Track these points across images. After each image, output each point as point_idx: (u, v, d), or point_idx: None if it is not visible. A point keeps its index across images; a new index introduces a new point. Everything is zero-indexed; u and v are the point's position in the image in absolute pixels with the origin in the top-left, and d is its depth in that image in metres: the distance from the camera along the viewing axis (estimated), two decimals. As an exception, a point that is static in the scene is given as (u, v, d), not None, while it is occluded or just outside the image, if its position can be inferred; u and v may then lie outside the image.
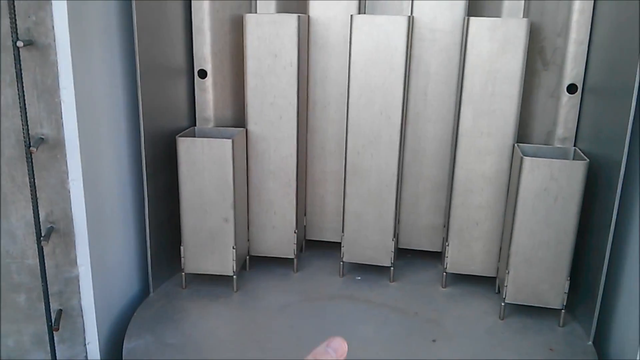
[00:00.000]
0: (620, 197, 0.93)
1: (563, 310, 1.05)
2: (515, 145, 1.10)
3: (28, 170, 0.85)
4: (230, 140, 1.07)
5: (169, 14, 1.11)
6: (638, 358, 0.86)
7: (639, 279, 0.90)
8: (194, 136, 1.17)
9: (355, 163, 1.17)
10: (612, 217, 0.93)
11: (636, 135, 0.91)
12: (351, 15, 1.11)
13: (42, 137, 0.85)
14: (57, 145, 0.85)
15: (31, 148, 0.81)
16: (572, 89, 1.10)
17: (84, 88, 0.88)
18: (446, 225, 1.20)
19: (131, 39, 1.00)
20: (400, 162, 1.20)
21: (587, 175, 1.00)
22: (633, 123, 0.90)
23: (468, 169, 1.14)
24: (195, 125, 1.21)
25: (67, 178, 0.87)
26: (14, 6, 0.81)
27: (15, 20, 0.81)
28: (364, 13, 1.21)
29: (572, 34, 1.07)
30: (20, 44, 0.79)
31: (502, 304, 1.08)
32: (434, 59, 1.18)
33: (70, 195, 0.87)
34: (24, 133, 0.84)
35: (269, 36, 1.12)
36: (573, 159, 1.07)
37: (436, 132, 1.22)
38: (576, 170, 1.00)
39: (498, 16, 1.17)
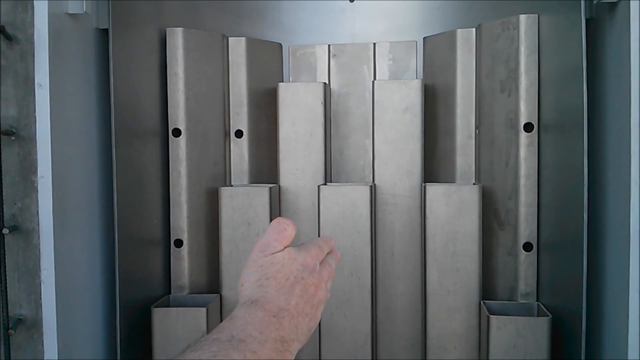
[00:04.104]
0: (585, 348, 0.96)
1: None
2: (482, 302, 1.15)
3: (5, 353, 0.86)
4: (204, 309, 1.10)
5: (148, 189, 1.18)
6: None
7: None
8: (169, 305, 1.19)
9: (329, 325, 1.20)
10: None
11: (592, 288, 0.97)
12: (318, 186, 1.20)
13: (21, 317, 0.87)
14: (34, 325, 0.87)
15: (10, 331, 0.82)
16: (527, 247, 1.18)
17: (63, 268, 0.92)
18: (423, 387, 1.20)
19: (111, 214, 1.06)
20: (374, 321, 1.23)
21: (552, 329, 1.05)
22: (588, 276, 0.96)
23: (439, 326, 1.17)
24: (170, 293, 1.23)
25: (43, 358, 0.87)
26: (1, 194, 0.87)
27: (2, 206, 0.87)
28: (330, 181, 1.31)
29: (522, 197, 1.17)
30: (5, 231, 0.84)
31: None
32: (397, 221, 1.25)
33: (44, 377, 0.87)
34: (3, 315, 0.86)
35: (243, 206, 1.19)
36: (537, 315, 1.12)
37: (405, 289, 1.27)
38: (541, 326, 1.04)
39: (452, 180, 1.27)
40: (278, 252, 0.65)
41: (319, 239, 0.73)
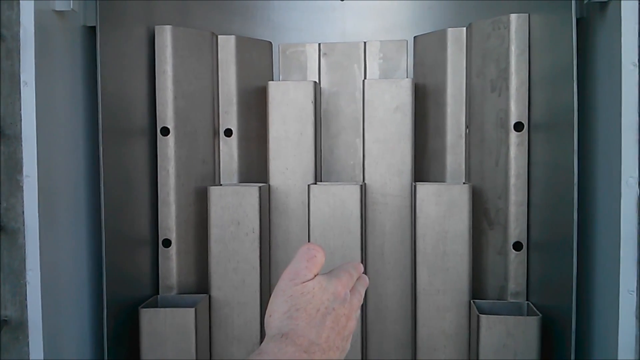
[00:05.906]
0: (575, 348, 0.96)
1: None
2: (472, 301, 1.14)
3: (-13, 354, 0.85)
4: (192, 309, 1.09)
5: (135, 188, 1.17)
6: None
7: None
8: (157, 305, 1.17)
9: (318, 325, 1.19)
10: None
11: (582, 287, 0.97)
12: (308, 185, 1.19)
13: (6, 318, 0.85)
14: (20, 326, 0.86)
15: (-7, 333, 0.81)
16: (517, 246, 1.18)
17: (50, 269, 0.90)
18: (412, 387, 1.20)
19: (98, 214, 1.05)
20: (364, 321, 1.22)
21: (542, 328, 1.05)
22: (578, 275, 0.96)
23: (429, 326, 1.17)
24: (158, 293, 1.22)
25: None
26: (-13, 193, 0.86)
27: (-13, 206, 0.85)
28: (321, 181, 1.30)
29: (512, 196, 1.17)
30: (-9, 232, 0.82)
31: None
32: (387, 220, 1.25)
33: (29, 380, 0.86)
34: (-14, 317, 0.84)
35: (232, 206, 1.18)
36: (527, 314, 1.12)
37: (395, 289, 1.26)
38: (530, 326, 1.04)
39: (442, 180, 1.27)
40: (308, 280, 0.62)
41: (348, 265, 0.70)
